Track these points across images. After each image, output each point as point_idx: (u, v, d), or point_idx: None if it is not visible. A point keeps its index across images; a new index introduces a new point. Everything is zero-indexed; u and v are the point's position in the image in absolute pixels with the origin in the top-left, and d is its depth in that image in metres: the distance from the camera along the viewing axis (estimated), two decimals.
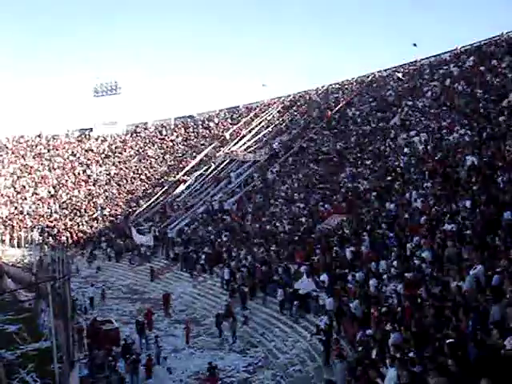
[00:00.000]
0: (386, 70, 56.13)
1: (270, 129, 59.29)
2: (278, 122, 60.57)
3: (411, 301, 18.11)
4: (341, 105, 52.88)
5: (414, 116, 40.09)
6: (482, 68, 39.24)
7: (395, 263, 21.67)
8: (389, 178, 32.06)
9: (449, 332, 14.87)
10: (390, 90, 49.70)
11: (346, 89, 58.41)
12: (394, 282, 20.38)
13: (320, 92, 61.98)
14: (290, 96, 66.25)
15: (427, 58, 50.85)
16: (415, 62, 52.26)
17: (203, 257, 37.84)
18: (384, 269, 22.22)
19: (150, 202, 56.51)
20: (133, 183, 65.37)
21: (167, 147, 71.01)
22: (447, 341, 13.77)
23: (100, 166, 72.71)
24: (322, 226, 31.82)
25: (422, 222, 23.75)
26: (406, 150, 34.91)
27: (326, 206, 34.84)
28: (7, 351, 25.93)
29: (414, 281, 19.45)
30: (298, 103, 62.91)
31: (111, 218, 58.28)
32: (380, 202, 29.56)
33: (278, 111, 63.69)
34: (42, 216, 63.14)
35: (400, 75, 50.48)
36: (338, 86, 60.82)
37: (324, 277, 24.52)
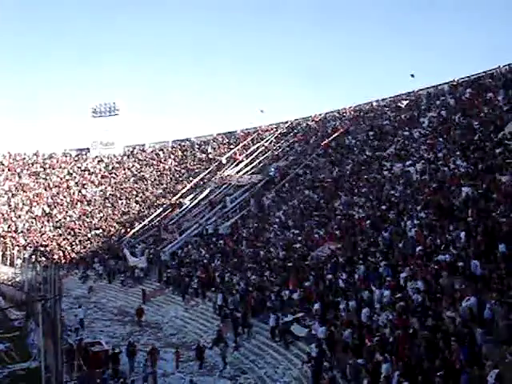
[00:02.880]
0: (383, 100, 56.58)
1: (266, 154, 59.48)
2: (274, 147, 60.80)
3: (403, 331, 18.07)
4: (338, 133, 53.14)
5: (410, 146, 40.30)
6: (478, 100, 39.58)
7: (388, 293, 21.64)
8: (384, 207, 32.11)
9: (441, 363, 14.85)
10: (387, 119, 50.03)
11: (343, 117, 58.80)
12: (386, 312, 20.34)
13: (317, 119, 62.35)
14: (287, 122, 66.59)
15: (425, 89, 51.29)
16: (412, 92, 52.72)
17: (196, 280, 37.67)
18: (377, 298, 22.18)
19: (144, 224, 56.38)
20: (128, 204, 65.27)
21: (164, 169, 71.09)
22: (438, 373, 13.75)
23: (96, 186, 72.71)
24: (316, 253, 31.75)
25: (416, 251, 23.77)
26: (401, 179, 35.04)
27: (320, 233, 34.81)
28: None
29: (406, 311, 19.44)
30: (295, 130, 63.20)
31: (105, 239, 58.08)
32: (374, 231, 29.57)
33: (275, 137, 63.96)
34: (36, 234, 62.94)
35: (404, 103, 50.75)
36: (335, 113, 61.21)
37: (317, 305, 24.45)
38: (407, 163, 36.73)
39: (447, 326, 17.12)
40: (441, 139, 36.95)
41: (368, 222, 31.45)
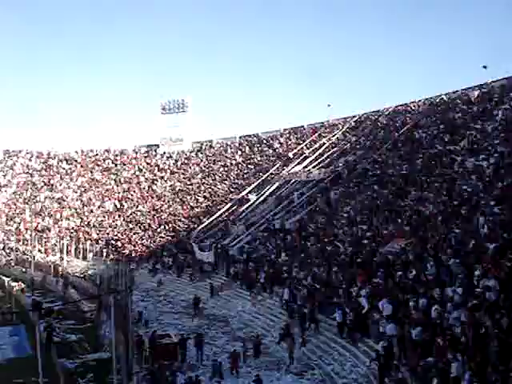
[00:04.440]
0: (454, 92, 54.99)
1: (334, 149, 58.89)
2: (342, 142, 60.15)
3: (475, 330, 17.53)
4: (407, 126, 52.02)
5: (483, 140, 39.03)
6: None
7: (460, 290, 21.03)
8: (455, 203, 31.22)
9: None
10: (459, 112, 48.61)
11: (413, 110, 57.53)
12: (457, 310, 19.77)
13: (387, 113, 61.29)
14: (355, 116, 65.75)
15: (498, 81, 49.51)
16: (485, 84, 51.00)
17: (263, 275, 37.73)
18: (448, 296, 21.58)
19: (212, 219, 56.90)
20: (196, 200, 66.09)
21: (231, 165, 71.58)
22: None
23: (165, 181, 73.97)
24: (384, 249, 31.20)
25: (489, 248, 23.01)
26: (473, 174, 33.98)
27: (389, 229, 34.17)
28: (67, 360, 26.43)
29: (479, 309, 18.85)
30: (364, 124, 62.33)
31: (174, 233, 59.01)
32: (446, 227, 28.79)
33: (343, 132, 63.28)
34: (107, 229, 64.61)
35: (476, 94, 49.22)
36: (404, 107, 59.97)
37: (385, 302, 24.01)
38: (480, 157, 35.59)
39: None
40: None
41: (439, 218, 30.65)
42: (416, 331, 20.15)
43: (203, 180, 70.58)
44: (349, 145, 58.24)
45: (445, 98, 55.27)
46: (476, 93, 49.27)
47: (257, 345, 27.59)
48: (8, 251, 61.13)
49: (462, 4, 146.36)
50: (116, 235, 62.57)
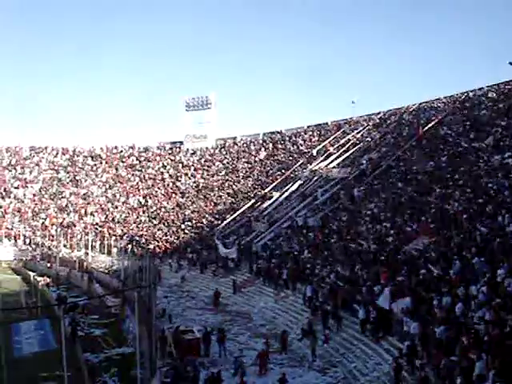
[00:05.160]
0: (480, 89, 54.39)
1: (358, 146, 58.61)
2: (366, 139, 59.82)
3: (500, 329, 17.34)
4: (432, 123, 51.58)
5: (509, 136, 38.54)
6: None
7: (484, 289, 20.80)
8: (481, 201, 30.88)
9: None
10: (484, 109, 48.06)
11: (438, 107, 57.03)
12: (482, 309, 19.56)
13: (411, 110, 60.83)
14: (379, 113, 65.35)
15: None
16: (511, 81, 50.33)
17: (286, 272, 37.69)
18: (473, 294, 21.37)
19: (235, 216, 57.03)
20: (220, 196, 66.34)
21: (255, 162, 71.65)
22: None
23: (189, 178, 74.32)
24: (408, 247, 30.98)
25: None
26: (499, 171, 33.57)
27: (413, 226, 33.91)
28: (92, 354, 26.71)
29: (503, 308, 18.63)
30: (388, 121, 61.93)
31: (197, 230, 59.28)
32: (470, 225, 28.50)
33: (367, 129, 62.93)
34: (132, 225, 65.13)
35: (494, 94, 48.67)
36: (429, 104, 59.47)
37: (408, 300, 23.84)
38: (506, 154, 35.15)
39: None
40: None
41: (464, 215, 30.34)
42: (440, 330, 19.98)
43: (227, 177, 70.81)
44: (373, 142, 57.92)
45: (470, 95, 54.68)
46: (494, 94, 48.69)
47: (284, 340, 27.58)
48: (34, 246, 61.98)
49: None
50: (140, 231, 63.06)
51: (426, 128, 51.16)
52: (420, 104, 60.83)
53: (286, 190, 56.72)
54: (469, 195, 32.95)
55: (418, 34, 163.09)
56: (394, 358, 21.27)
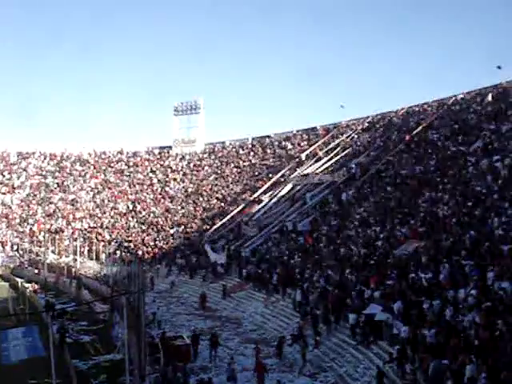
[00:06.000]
0: (468, 93, 54.69)
1: (347, 150, 58.71)
2: (355, 143, 59.94)
3: (490, 332, 17.35)
4: (421, 127, 51.74)
5: (497, 140, 38.71)
6: None
7: (474, 292, 20.82)
8: (470, 204, 30.96)
9: None
10: (472, 113, 48.30)
11: (426, 111, 57.25)
12: (472, 312, 19.57)
13: (400, 114, 61.05)
14: (368, 117, 65.54)
15: None
16: (499, 84, 50.65)
17: (276, 277, 37.58)
18: (462, 298, 21.38)
19: (224, 220, 56.91)
20: (209, 201, 66.20)
21: (244, 166, 71.61)
22: None
23: (178, 183, 74.13)
24: (398, 251, 30.99)
25: (503, 250, 22.77)
26: (488, 175, 33.68)
27: (403, 230, 33.94)
28: (80, 361, 26.49)
29: (493, 312, 18.64)
30: (377, 125, 62.10)
31: (187, 235, 59.09)
32: (460, 229, 28.54)
33: (356, 133, 63.06)
34: (120, 230, 64.82)
35: (489, 97, 48.86)
36: (418, 108, 59.73)
37: (398, 304, 23.82)
38: (494, 158, 35.28)
39: None
40: None
41: (453, 219, 30.39)
42: (430, 333, 19.96)
43: (216, 181, 70.71)
44: (362, 146, 58.02)
45: (458, 99, 54.97)
46: (490, 95, 48.89)
47: (280, 345, 27.44)
48: (21, 252, 61.54)
49: (477, 4, 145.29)
50: (129, 237, 62.77)
51: (415, 132, 51.31)
52: (409, 107, 61.04)
53: (276, 195, 56.70)
54: (458, 199, 33.01)
55: (405, 37, 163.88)
56: (388, 361, 21.27)
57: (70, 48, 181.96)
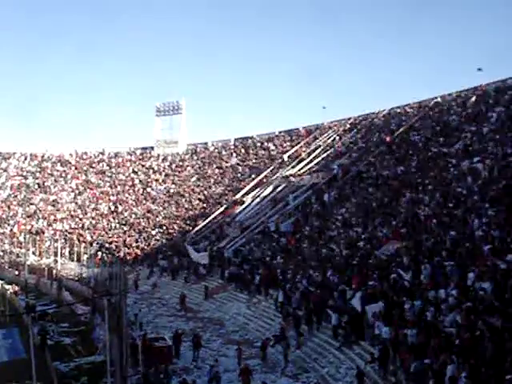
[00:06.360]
0: (449, 95, 55.17)
1: (329, 152, 58.91)
2: (337, 144, 60.18)
3: (470, 332, 17.49)
4: (402, 129, 52.08)
5: (478, 142, 39.07)
6: None
7: (455, 292, 20.99)
8: (450, 205, 31.20)
9: (510, 366, 14.31)
10: (453, 114, 48.70)
11: (408, 113, 57.65)
12: (452, 312, 19.72)
13: (381, 115, 61.39)
14: (350, 119, 65.82)
15: (492, 83, 49.67)
16: (479, 86, 51.16)
17: (258, 278, 37.60)
18: (443, 298, 21.53)
19: (207, 221, 56.83)
20: (191, 202, 66.07)
21: (226, 167, 71.59)
22: (508, 376, 13.22)
23: (160, 184, 73.89)
24: (380, 251, 31.14)
25: (484, 250, 22.98)
26: (468, 176, 33.97)
27: (384, 231, 34.12)
28: (62, 363, 26.31)
29: (474, 311, 18.80)
30: (359, 126, 62.40)
31: (169, 236, 58.93)
32: (441, 229, 28.75)
33: (338, 134, 63.32)
34: (102, 231, 64.47)
35: (473, 99, 49.26)
36: (399, 109, 60.12)
37: (380, 304, 23.94)
38: (475, 159, 35.60)
39: None
40: (510, 134, 35.64)
41: (434, 220, 30.61)
42: (411, 333, 20.08)
43: (198, 182, 70.61)
44: (344, 147, 58.26)
45: (439, 101, 55.41)
46: (474, 98, 49.32)
47: (264, 347, 27.44)
48: (2, 254, 60.96)
49: (457, 6, 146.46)
50: (110, 238, 62.43)
51: (396, 133, 51.64)
52: (390, 109, 61.41)
53: (258, 196, 56.74)
54: (439, 200, 33.25)
55: (388, 40, 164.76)
56: (370, 361, 21.38)
57: (55, 48, 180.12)
